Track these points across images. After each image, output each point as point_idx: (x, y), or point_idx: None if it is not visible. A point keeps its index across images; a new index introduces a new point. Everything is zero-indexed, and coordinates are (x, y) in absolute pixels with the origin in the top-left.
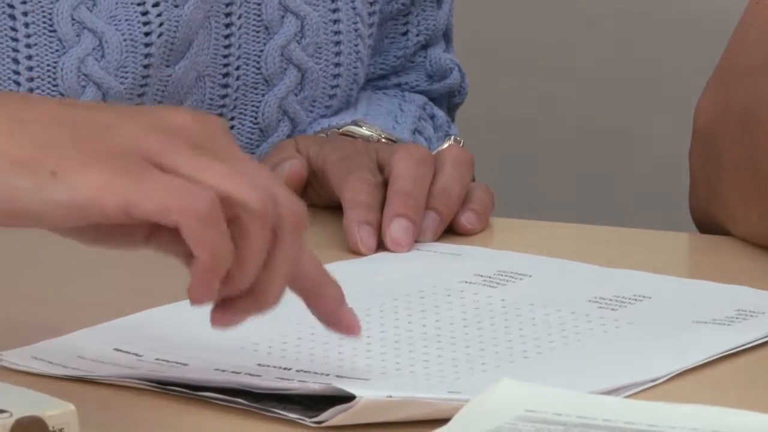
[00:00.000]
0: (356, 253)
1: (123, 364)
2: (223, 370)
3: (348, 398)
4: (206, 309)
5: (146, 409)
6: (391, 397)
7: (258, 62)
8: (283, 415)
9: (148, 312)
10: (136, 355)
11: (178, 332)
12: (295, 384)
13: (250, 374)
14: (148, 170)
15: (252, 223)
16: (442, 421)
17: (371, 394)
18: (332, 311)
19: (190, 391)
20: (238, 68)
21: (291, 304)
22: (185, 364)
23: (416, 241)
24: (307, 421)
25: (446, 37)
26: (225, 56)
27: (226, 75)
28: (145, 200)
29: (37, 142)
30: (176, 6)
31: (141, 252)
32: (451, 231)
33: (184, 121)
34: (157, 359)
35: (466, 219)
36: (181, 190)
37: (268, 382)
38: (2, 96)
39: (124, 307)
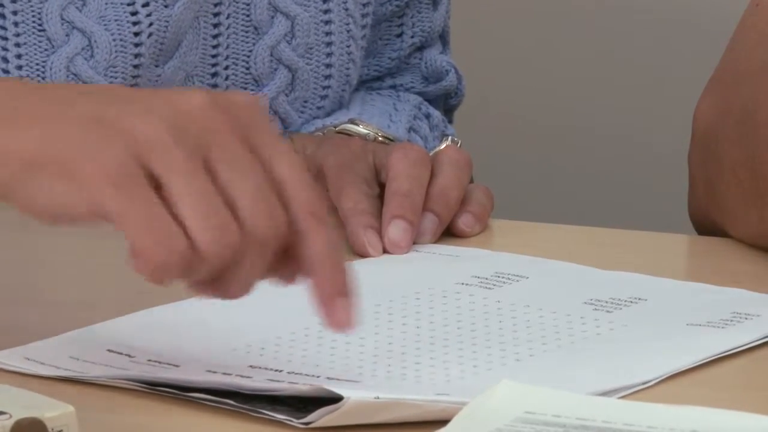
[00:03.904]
0: (364, 256)
1: (115, 365)
2: (214, 372)
3: (337, 399)
4: (199, 310)
5: (146, 411)
6: (378, 398)
7: (247, 62)
8: (270, 415)
9: (141, 313)
10: (129, 356)
11: (170, 333)
12: (284, 385)
13: (241, 375)
14: (138, 187)
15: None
16: (443, 422)
17: (359, 395)
18: (326, 301)
19: (179, 392)
20: (226, 68)
21: (287, 304)
22: (177, 366)
23: (415, 243)
24: (295, 422)
25: (443, 38)
26: (213, 56)
27: (214, 75)
28: (125, 220)
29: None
30: (166, 6)
31: None
32: (449, 232)
33: (192, 106)
34: (149, 360)
35: (464, 222)
36: (159, 232)
37: (258, 383)
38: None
39: (117, 308)
